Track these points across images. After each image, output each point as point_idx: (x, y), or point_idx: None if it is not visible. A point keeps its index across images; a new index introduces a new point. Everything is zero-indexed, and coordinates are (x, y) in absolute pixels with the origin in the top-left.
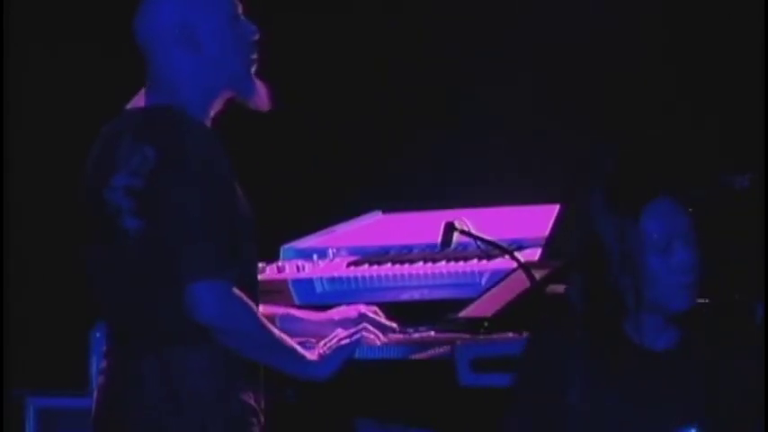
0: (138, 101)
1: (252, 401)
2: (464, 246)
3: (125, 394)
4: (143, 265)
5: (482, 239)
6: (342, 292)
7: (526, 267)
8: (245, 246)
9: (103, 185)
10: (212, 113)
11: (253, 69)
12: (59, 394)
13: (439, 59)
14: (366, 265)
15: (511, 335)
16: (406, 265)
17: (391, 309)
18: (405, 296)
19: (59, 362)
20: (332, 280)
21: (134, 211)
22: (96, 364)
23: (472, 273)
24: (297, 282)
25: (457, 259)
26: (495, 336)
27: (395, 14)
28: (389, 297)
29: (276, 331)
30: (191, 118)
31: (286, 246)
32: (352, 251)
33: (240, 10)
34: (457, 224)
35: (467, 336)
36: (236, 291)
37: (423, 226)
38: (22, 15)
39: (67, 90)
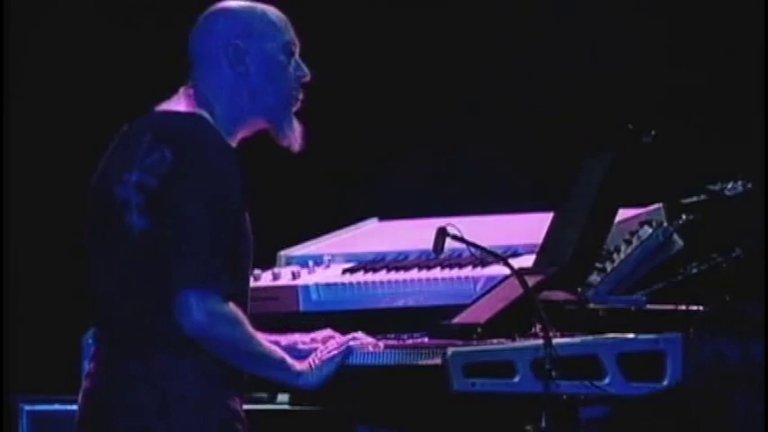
0: (169, 105)
1: (238, 407)
2: (459, 252)
3: (112, 397)
4: (140, 266)
5: (475, 245)
6: (337, 298)
7: (519, 274)
8: (244, 263)
9: (115, 178)
10: (239, 137)
11: (293, 109)
12: (52, 399)
13: (437, 66)
14: (361, 272)
15: (503, 341)
16: (401, 272)
17: (386, 315)
18: (400, 303)
19: (52, 367)
20: (327, 287)
21: (141, 208)
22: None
23: (467, 279)
24: (292, 289)
25: (451, 266)
26: (487, 342)
27: (398, 22)
28: (384, 304)
29: (265, 343)
30: (216, 131)
31: (282, 252)
32: (347, 258)
33: (297, 48)
34: (449, 230)
35: (459, 342)
36: (226, 303)
37: (419, 233)
38: (24, 14)
39: (69, 90)
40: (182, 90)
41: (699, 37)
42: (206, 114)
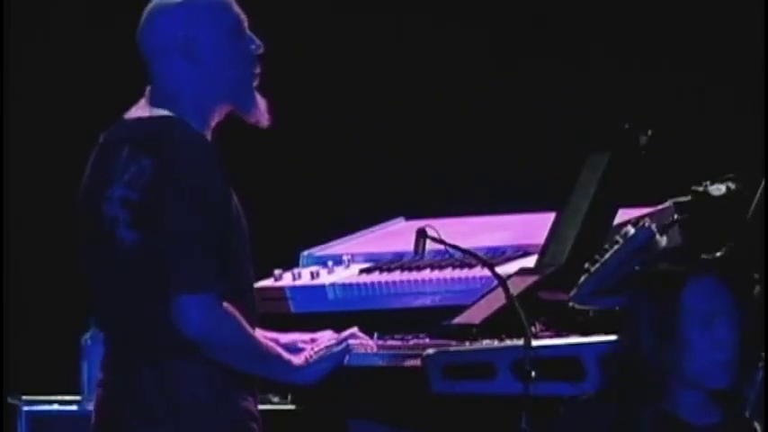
0: (138, 111)
1: (251, 407)
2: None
3: (124, 406)
4: (138, 276)
5: (456, 248)
6: (353, 298)
7: (501, 278)
8: (239, 259)
9: (101, 195)
10: (212, 124)
11: (254, 84)
12: (51, 401)
13: (463, 67)
14: (377, 273)
15: (489, 342)
16: (415, 272)
17: (401, 315)
18: (414, 303)
19: (51, 368)
20: (343, 287)
21: (129, 223)
22: (89, 372)
23: (480, 279)
24: (309, 288)
25: (463, 266)
26: (466, 344)
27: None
28: (399, 304)
29: (262, 341)
30: (190, 130)
31: (305, 252)
32: (367, 258)
33: (245, 24)
34: (429, 231)
35: (454, 343)
36: (223, 304)
37: (443, 233)
38: (22, 17)
39: (67, 93)
40: (147, 92)
41: (699, 37)
42: (177, 113)
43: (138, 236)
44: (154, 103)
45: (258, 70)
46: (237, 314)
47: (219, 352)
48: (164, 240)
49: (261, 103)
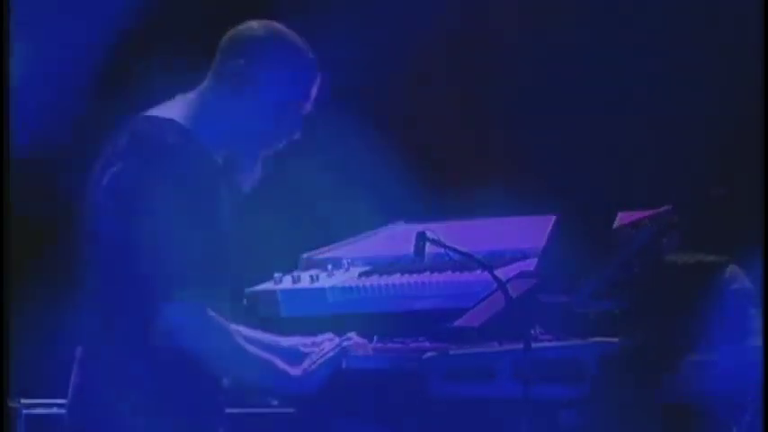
0: (159, 108)
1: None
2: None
3: (96, 396)
4: (117, 275)
5: (455, 250)
6: (353, 301)
7: (500, 281)
8: (225, 267)
9: (94, 183)
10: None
11: (264, 154)
12: (51, 403)
13: (464, 68)
14: (377, 276)
15: (487, 345)
16: (415, 275)
17: (400, 318)
18: (413, 306)
19: (51, 370)
20: (343, 290)
21: (111, 213)
22: None
23: (479, 282)
24: (309, 291)
25: (463, 269)
26: (466, 347)
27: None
28: (398, 306)
29: (252, 349)
30: (188, 138)
31: (304, 255)
32: (367, 261)
33: (309, 105)
34: (429, 234)
35: (454, 346)
36: (207, 312)
37: (442, 236)
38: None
39: (69, 90)
40: (184, 94)
41: (699, 37)
42: (186, 122)
43: (117, 229)
44: (179, 107)
45: (279, 147)
46: (224, 322)
47: (208, 360)
48: (146, 243)
49: (256, 173)
